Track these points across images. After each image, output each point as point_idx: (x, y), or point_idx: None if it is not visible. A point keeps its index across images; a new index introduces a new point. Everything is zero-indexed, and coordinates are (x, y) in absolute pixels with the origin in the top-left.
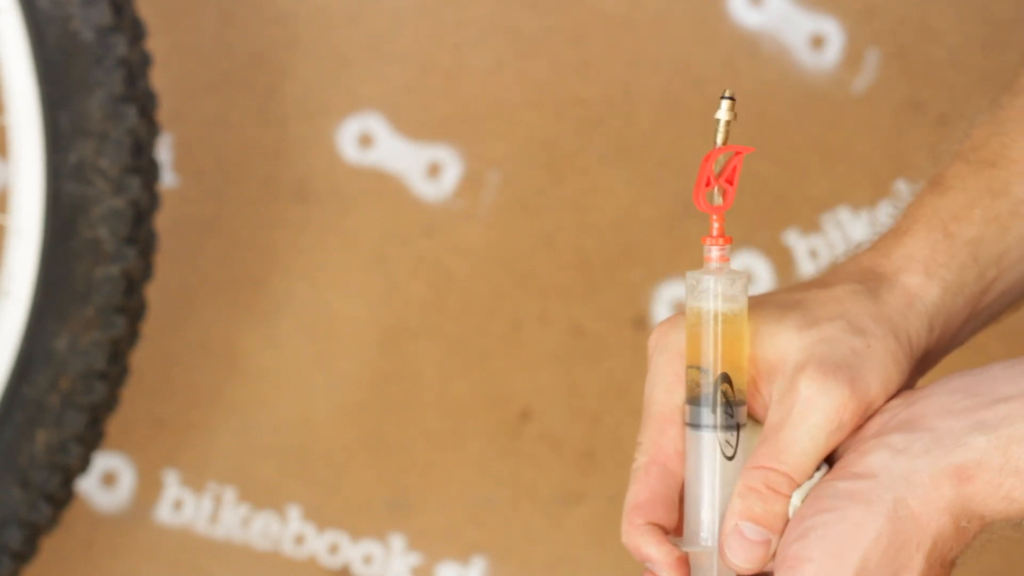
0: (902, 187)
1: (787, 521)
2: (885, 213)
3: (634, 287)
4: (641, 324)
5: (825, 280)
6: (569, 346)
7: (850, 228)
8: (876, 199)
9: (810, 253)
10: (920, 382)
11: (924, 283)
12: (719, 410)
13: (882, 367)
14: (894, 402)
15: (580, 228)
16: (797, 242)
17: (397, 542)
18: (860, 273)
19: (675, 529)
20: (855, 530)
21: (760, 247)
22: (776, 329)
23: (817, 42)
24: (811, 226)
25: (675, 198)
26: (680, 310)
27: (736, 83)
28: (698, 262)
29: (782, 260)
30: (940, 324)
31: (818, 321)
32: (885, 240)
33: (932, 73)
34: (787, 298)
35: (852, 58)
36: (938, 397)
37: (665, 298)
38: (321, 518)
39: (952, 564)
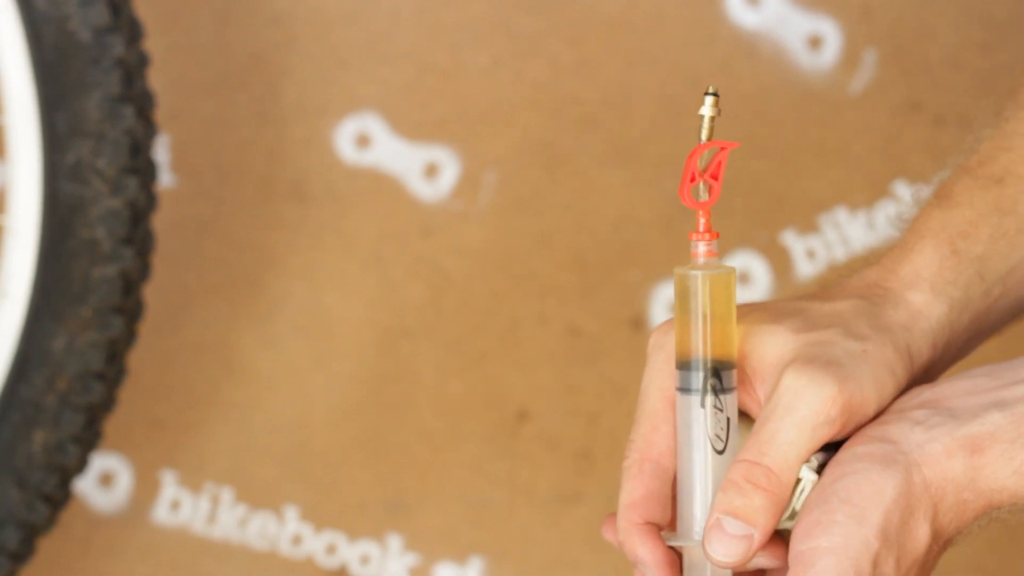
0: (900, 188)
1: (771, 516)
2: (883, 214)
3: (631, 287)
4: (638, 324)
5: (829, 293)
6: (566, 346)
7: (848, 228)
8: (873, 199)
9: (807, 253)
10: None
11: (930, 301)
12: (707, 372)
13: (876, 373)
14: (918, 387)
15: (577, 228)
16: (794, 242)
17: (394, 542)
18: (865, 288)
19: (669, 523)
20: (875, 490)
21: (757, 247)
22: (772, 330)
23: (814, 42)
24: (808, 226)
25: (672, 198)
26: None
27: (733, 83)
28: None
29: (779, 260)
30: (944, 341)
31: (815, 326)
32: (892, 255)
33: (930, 73)
34: (788, 305)
35: (849, 58)
36: (960, 381)
37: (662, 298)
38: (318, 518)
39: (948, 543)
